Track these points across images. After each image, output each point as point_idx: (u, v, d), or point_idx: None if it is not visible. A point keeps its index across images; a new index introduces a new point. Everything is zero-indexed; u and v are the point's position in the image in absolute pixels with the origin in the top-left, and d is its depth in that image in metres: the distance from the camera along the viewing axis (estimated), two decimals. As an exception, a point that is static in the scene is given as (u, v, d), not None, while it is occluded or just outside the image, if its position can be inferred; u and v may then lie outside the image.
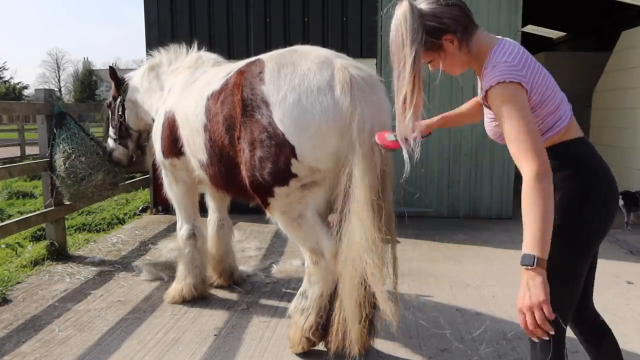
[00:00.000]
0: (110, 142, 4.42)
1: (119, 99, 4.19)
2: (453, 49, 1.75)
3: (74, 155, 4.53)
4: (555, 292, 1.69)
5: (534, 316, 1.46)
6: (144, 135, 4.34)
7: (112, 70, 4.28)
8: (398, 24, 1.69)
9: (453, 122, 2.38)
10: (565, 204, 1.69)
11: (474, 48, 1.76)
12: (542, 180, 1.51)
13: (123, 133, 4.28)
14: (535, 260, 1.47)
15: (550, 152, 1.71)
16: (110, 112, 4.35)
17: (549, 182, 1.52)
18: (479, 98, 2.25)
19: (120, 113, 4.20)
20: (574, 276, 1.75)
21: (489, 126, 1.90)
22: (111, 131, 4.36)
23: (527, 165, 1.53)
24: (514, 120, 1.58)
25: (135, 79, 4.11)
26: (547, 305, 1.45)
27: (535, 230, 1.49)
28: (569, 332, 1.87)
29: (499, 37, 1.79)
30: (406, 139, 1.87)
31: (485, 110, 1.85)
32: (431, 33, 1.70)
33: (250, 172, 2.72)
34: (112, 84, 4.27)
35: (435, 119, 2.36)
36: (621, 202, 5.56)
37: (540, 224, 1.48)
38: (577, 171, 1.72)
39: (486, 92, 1.66)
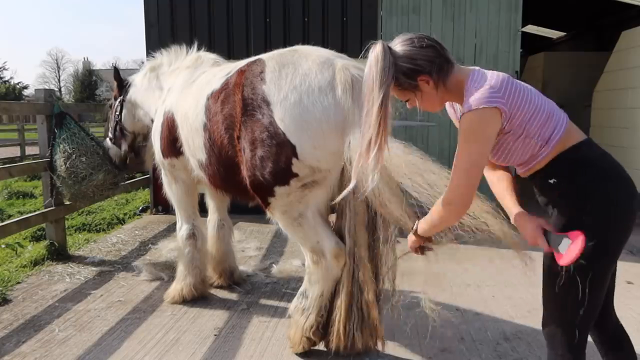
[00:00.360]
0: (107, 142, 4.49)
1: (118, 100, 4.22)
2: (429, 89, 1.78)
3: (74, 155, 4.54)
4: (577, 295, 1.69)
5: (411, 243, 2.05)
6: (139, 138, 4.37)
7: (116, 71, 4.32)
8: (370, 65, 1.73)
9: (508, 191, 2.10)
10: (587, 207, 1.68)
11: (453, 84, 1.78)
12: (445, 210, 1.78)
13: (118, 134, 4.31)
14: (414, 228, 1.98)
15: (561, 160, 1.72)
16: (110, 113, 4.38)
17: (449, 215, 1.78)
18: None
19: (117, 113, 4.23)
20: (597, 280, 1.71)
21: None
22: (109, 132, 4.41)
23: (446, 192, 1.77)
24: (464, 152, 1.69)
25: (136, 80, 4.14)
26: (410, 247, 2.05)
27: (423, 222, 1.93)
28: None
29: (472, 67, 1.82)
30: (363, 176, 1.90)
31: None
32: (406, 74, 1.74)
33: (251, 171, 2.72)
34: (115, 84, 4.29)
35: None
36: None
37: (426, 224, 1.91)
38: (591, 174, 1.70)
39: (461, 117, 1.70)
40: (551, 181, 1.75)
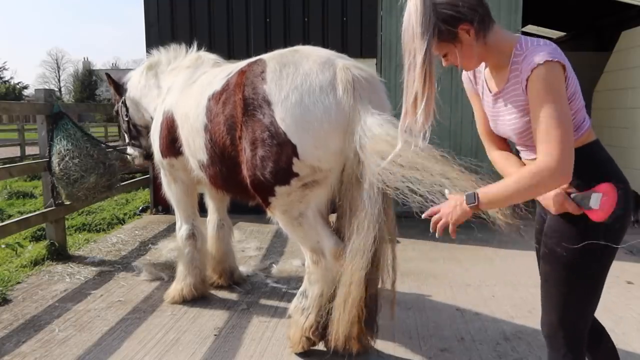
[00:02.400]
0: (129, 149, 4.38)
1: (121, 101, 4.21)
2: (470, 40, 1.64)
3: (67, 157, 4.51)
4: (580, 295, 1.70)
5: (440, 221, 1.70)
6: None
7: (109, 77, 4.30)
8: (409, 14, 1.62)
9: None
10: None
11: (493, 41, 1.68)
12: (549, 175, 1.50)
13: (133, 133, 4.28)
14: (475, 200, 1.64)
15: (578, 155, 1.64)
16: (119, 117, 4.35)
17: (553, 181, 1.51)
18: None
19: (125, 113, 4.20)
20: (599, 279, 1.72)
21: (516, 122, 1.70)
22: (125, 136, 4.36)
23: (546, 154, 1.51)
24: (551, 105, 1.51)
25: (134, 78, 4.13)
26: (452, 225, 1.68)
27: (495, 191, 1.62)
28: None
29: (516, 34, 1.73)
30: (412, 132, 1.74)
31: (504, 109, 1.73)
32: (447, 21, 1.60)
33: (252, 171, 2.72)
34: (112, 89, 4.28)
35: None
36: None
37: (502, 194, 1.60)
38: (604, 174, 1.68)
39: (532, 70, 1.56)
40: None
